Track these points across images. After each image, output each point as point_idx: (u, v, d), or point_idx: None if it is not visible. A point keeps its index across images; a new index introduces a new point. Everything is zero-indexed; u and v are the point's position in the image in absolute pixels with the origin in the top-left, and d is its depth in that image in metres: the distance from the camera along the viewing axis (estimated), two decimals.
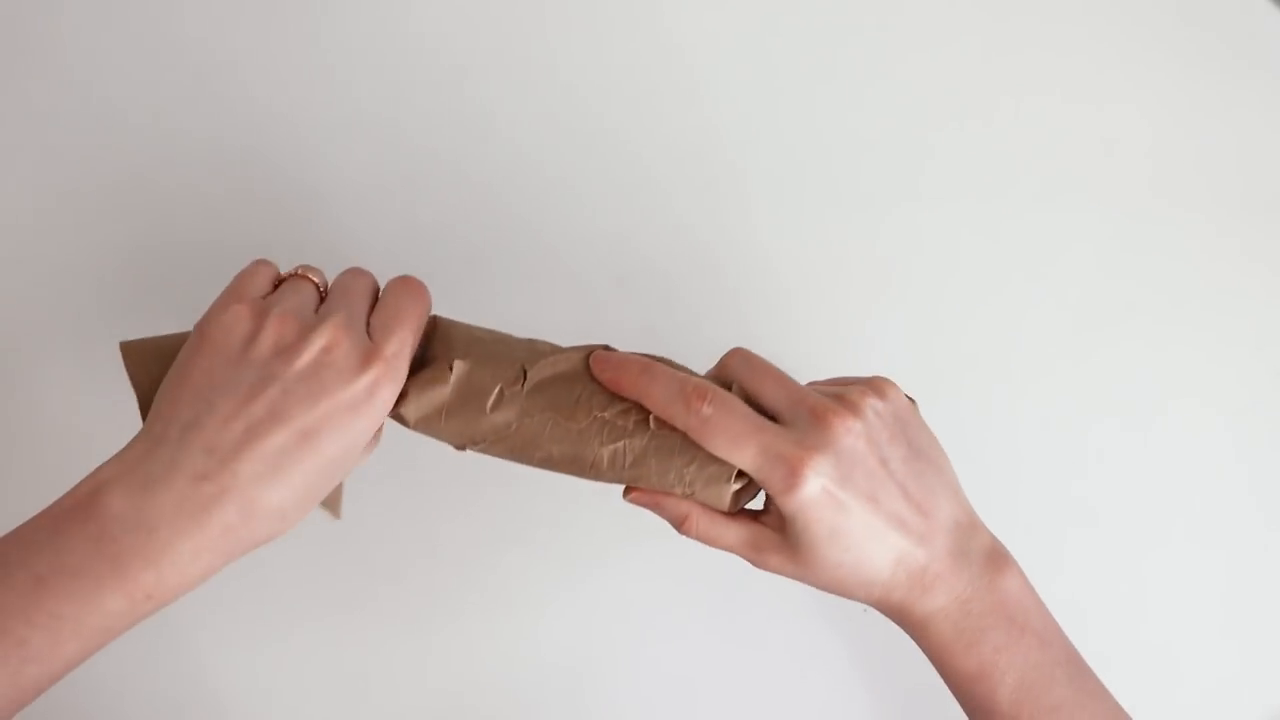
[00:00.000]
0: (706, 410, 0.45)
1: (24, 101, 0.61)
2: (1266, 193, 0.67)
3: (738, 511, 0.48)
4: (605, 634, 0.61)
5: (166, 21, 0.62)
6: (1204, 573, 0.63)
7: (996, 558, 0.47)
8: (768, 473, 0.44)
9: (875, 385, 0.47)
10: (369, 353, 0.42)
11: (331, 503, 0.47)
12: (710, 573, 0.59)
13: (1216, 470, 0.64)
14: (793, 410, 0.46)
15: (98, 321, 0.60)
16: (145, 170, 0.61)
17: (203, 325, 0.43)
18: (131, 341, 0.45)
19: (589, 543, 0.61)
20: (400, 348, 0.43)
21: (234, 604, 0.58)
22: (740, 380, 0.47)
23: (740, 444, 0.44)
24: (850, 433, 0.45)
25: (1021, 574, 0.48)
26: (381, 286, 0.47)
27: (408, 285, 0.46)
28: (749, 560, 0.48)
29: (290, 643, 0.59)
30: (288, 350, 0.41)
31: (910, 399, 0.49)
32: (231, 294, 0.44)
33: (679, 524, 0.47)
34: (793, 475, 0.43)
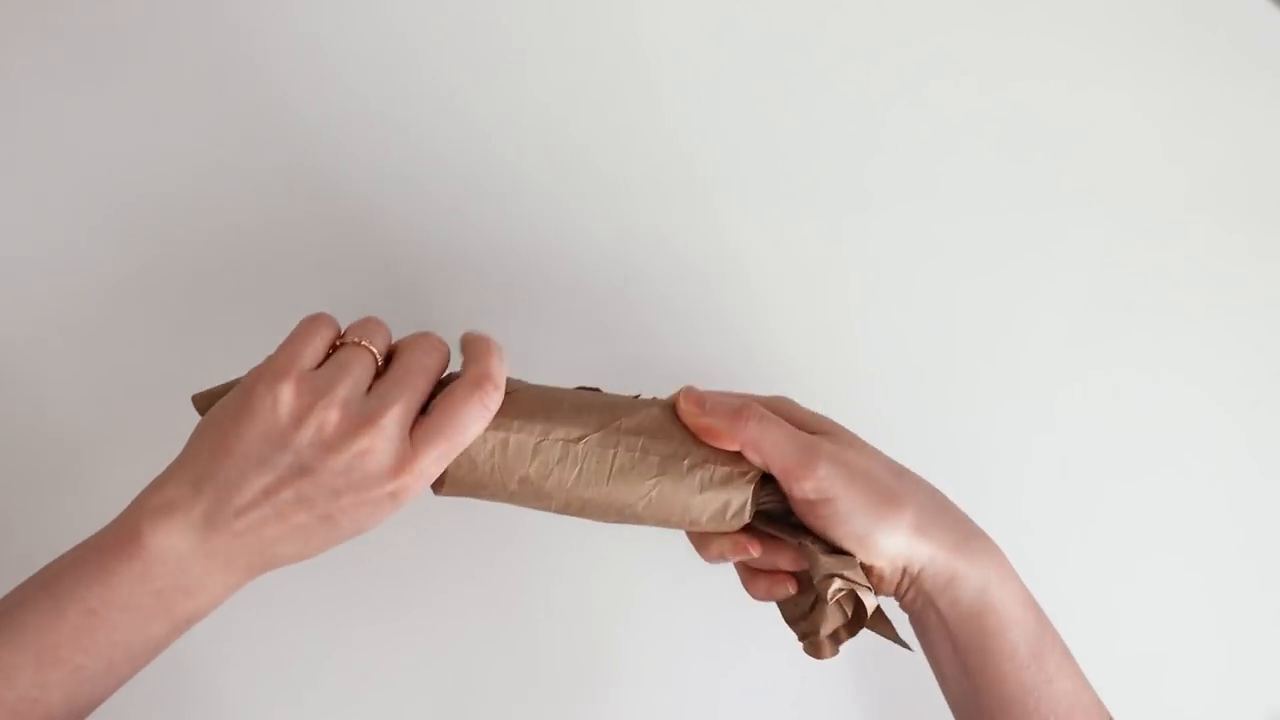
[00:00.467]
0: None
1: (27, 103, 0.61)
2: (1266, 192, 0.67)
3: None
4: (604, 635, 0.61)
5: (169, 20, 0.62)
6: (1206, 572, 0.63)
7: None
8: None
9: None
10: (403, 461, 0.43)
11: None
12: (709, 573, 0.59)
13: (1218, 469, 0.64)
14: None
15: (98, 322, 0.60)
16: (148, 172, 0.61)
17: (250, 388, 0.43)
18: (201, 393, 0.46)
19: (589, 543, 0.61)
20: (438, 461, 0.43)
21: (235, 604, 0.58)
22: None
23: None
24: None
25: None
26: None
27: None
28: (801, 456, 0.46)
29: (290, 643, 0.59)
30: (325, 445, 0.42)
31: None
32: (283, 362, 0.43)
33: (738, 415, 0.46)
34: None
